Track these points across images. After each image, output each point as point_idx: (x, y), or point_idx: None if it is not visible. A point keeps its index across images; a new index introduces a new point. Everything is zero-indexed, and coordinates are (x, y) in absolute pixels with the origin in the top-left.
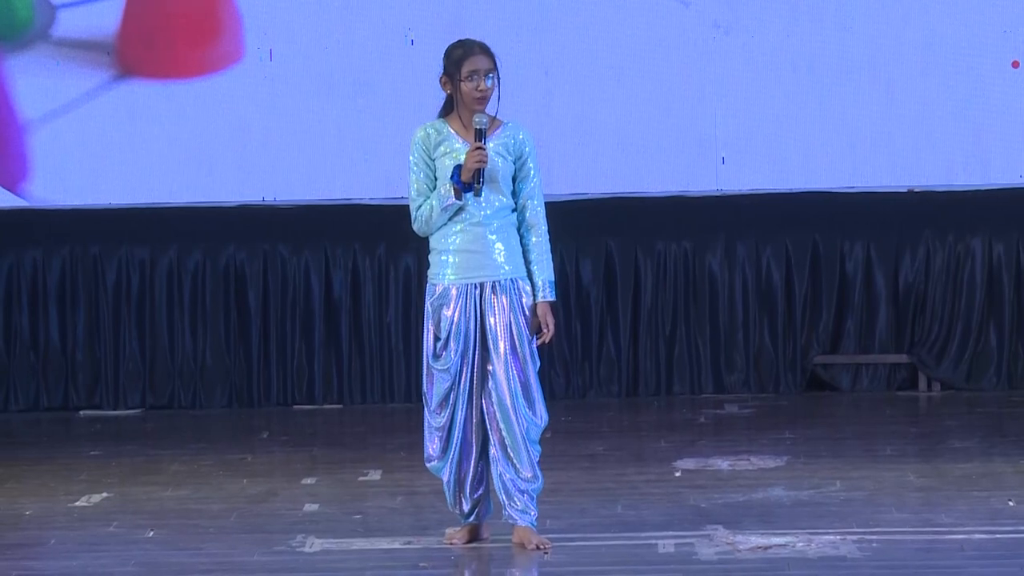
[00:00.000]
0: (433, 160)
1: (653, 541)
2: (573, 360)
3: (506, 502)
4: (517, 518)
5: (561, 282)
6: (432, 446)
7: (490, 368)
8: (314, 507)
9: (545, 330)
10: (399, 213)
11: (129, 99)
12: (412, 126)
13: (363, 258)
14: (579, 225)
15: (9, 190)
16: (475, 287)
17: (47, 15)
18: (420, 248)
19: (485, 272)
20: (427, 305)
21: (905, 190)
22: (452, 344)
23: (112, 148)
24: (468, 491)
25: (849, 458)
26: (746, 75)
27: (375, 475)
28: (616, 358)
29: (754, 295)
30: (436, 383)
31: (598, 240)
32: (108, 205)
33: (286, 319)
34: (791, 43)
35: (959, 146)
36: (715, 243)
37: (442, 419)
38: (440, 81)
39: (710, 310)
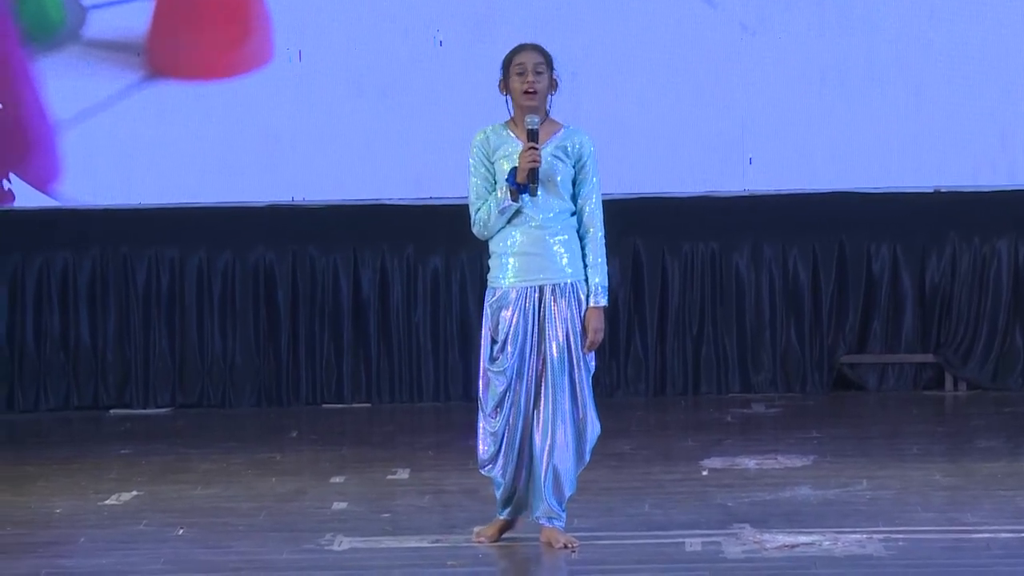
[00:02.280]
0: (492, 164)
1: (680, 540)
2: (601, 359)
3: (537, 505)
4: (545, 522)
5: None
6: (485, 449)
7: (544, 373)
8: (343, 505)
9: (591, 336)
10: (427, 213)
11: (159, 100)
12: (441, 126)
13: (391, 258)
14: (606, 225)
15: (40, 190)
16: (535, 290)
17: (78, 16)
18: (448, 248)
19: (545, 275)
20: (486, 307)
21: (931, 191)
22: (509, 347)
23: (142, 148)
24: (515, 492)
25: (875, 457)
26: (773, 76)
27: (403, 474)
28: (643, 357)
29: (781, 295)
30: (491, 386)
31: (626, 240)
32: (138, 205)
33: (315, 319)
34: (818, 44)
35: (985, 147)
36: (742, 243)
37: (497, 423)
38: (499, 87)
39: (737, 310)
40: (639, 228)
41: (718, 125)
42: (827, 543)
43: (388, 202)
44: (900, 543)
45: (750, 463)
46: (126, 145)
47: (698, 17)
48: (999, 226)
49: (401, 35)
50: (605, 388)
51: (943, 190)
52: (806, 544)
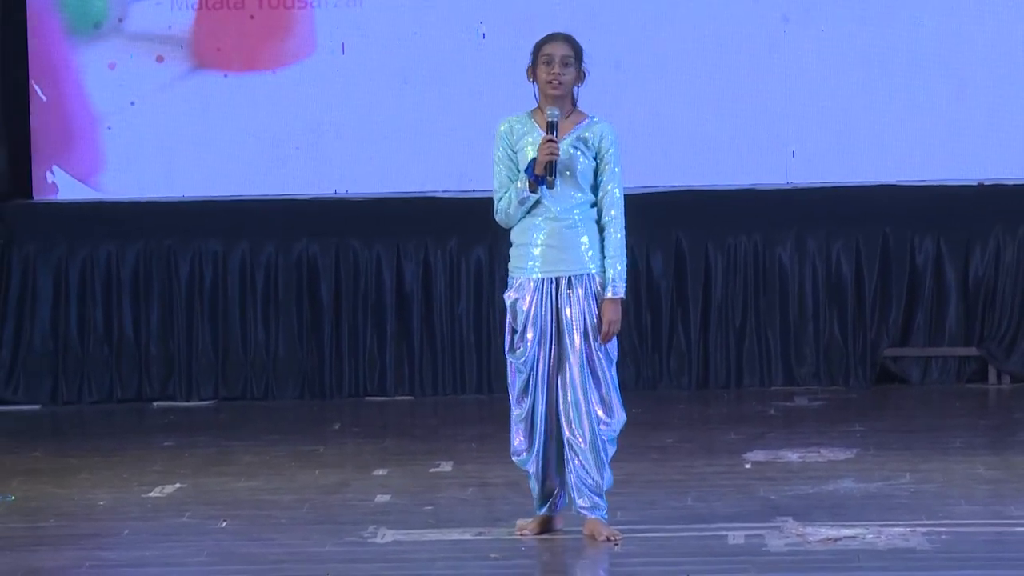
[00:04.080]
0: (516, 153)
1: (723, 533)
2: (643, 352)
3: (576, 496)
4: (587, 512)
5: (632, 274)
6: (517, 439)
7: (564, 363)
8: (386, 498)
9: (605, 327)
10: (470, 206)
11: (202, 92)
12: (484, 119)
13: (434, 251)
14: (650, 218)
15: (83, 183)
16: (551, 281)
17: (120, 8)
18: (491, 241)
19: (563, 266)
20: (505, 297)
21: (975, 184)
22: (528, 336)
23: (185, 141)
24: (546, 481)
25: (918, 450)
26: (816, 69)
27: (446, 466)
28: (686, 350)
29: (824, 288)
30: (517, 375)
31: (669, 233)
32: (181, 198)
33: (358, 311)
34: (861, 36)
35: None
36: (785, 236)
37: (523, 410)
38: (527, 73)
39: (780, 303)
40: (682, 221)
41: (761, 118)
42: (870, 536)
43: (431, 195)
44: (943, 536)
45: (793, 456)
46: (169, 138)
47: (741, 9)
48: None
49: (444, 28)
50: (647, 381)
51: (987, 183)
52: (849, 537)
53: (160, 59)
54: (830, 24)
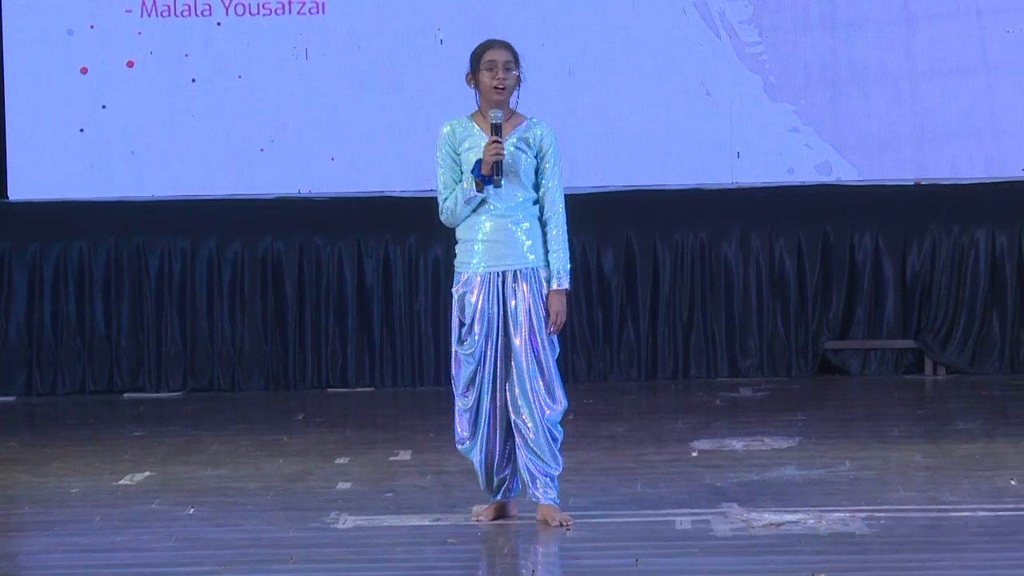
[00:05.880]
0: (458, 155)
1: (671, 518)
2: (595, 345)
3: (529, 482)
4: (540, 497)
5: (583, 271)
6: (461, 428)
7: (511, 355)
8: (347, 486)
9: (553, 317)
10: (428, 205)
11: (171, 96)
12: (441, 122)
13: (394, 248)
14: (601, 216)
15: (57, 182)
16: (498, 275)
17: (92, 14)
18: (449, 238)
19: (508, 261)
20: (453, 291)
21: (912, 183)
22: (476, 328)
23: (154, 143)
24: (495, 471)
25: (858, 439)
26: (759, 74)
27: (405, 455)
28: (636, 343)
29: (768, 283)
30: (462, 367)
31: (619, 231)
32: (151, 197)
33: (321, 306)
34: (802, 43)
35: (963, 142)
36: (730, 234)
37: (469, 401)
38: (466, 79)
39: (725, 298)
40: (632, 219)
41: (707, 121)
42: (812, 521)
43: (391, 194)
44: (882, 521)
45: (738, 445)
46: (139, 140)
47: (688, 19)
48: (977, 217)
49: (403, 34)
50: (599, 373)
51: (923, 183)
52: (791, 522)
53: (130, 64)
54: (773, 32)
